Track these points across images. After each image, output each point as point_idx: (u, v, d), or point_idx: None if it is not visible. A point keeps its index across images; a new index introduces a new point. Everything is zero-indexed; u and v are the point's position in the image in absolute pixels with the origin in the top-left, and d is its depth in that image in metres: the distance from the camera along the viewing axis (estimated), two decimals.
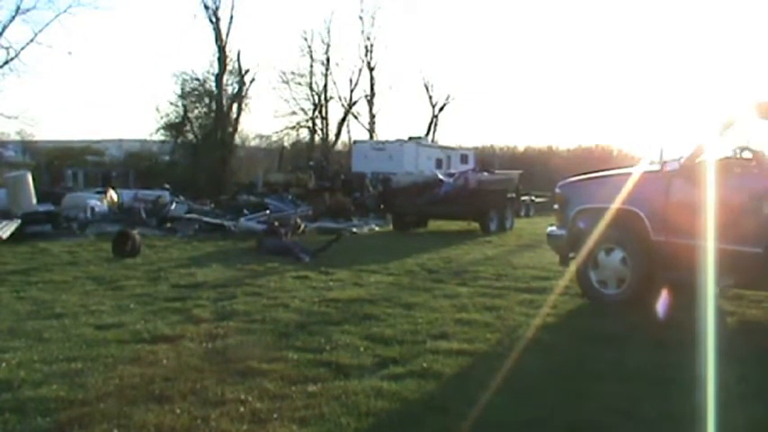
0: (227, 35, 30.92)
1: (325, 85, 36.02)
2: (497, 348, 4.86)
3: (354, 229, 15.18)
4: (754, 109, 6.00)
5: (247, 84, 31.87)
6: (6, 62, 25.89)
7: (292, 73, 35.83)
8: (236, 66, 31.51)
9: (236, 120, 32.11)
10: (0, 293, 6.81)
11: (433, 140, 33.04)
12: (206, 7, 30.81)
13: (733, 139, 6.15)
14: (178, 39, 57.16)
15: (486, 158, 26.83)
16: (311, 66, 35.95)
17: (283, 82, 35.83)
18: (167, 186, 20.21)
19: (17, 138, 33.20)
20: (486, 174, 16.78)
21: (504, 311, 6.06)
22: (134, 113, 71.36)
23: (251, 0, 56.09)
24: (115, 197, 16.59)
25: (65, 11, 29.88)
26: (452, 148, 28.59)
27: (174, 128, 31.48)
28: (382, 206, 17.91)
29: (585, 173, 7.42)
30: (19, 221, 12.13)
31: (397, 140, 26.56)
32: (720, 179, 5.75)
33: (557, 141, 46.25)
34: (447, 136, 40.17)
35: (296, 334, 5.17)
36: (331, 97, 36.49)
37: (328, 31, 36.11)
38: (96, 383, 3.92)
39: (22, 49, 25.99)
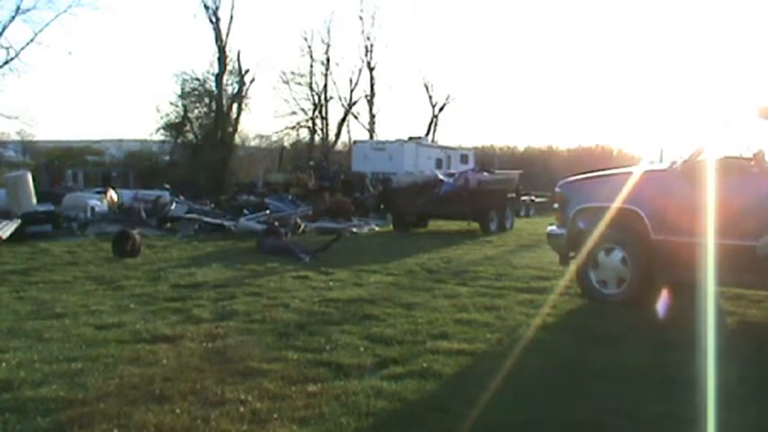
0: (227, 35, 30.99)
1: (325, 85, 36.09)
2: (497, 348, 4.86)
3: (354, 229, 15.17)
4: (756, 111, 5.99)
5: (247, 84, 31.92)
6: (6, 62, 26.00)
7: (292, 73, 35.92)
8: (236, 66, 31.57)
9: (236, 120, 32.14)
10: (0, 293, 6.82)
11: (433, 140, 33.02)
12: (206, 7, 30.87)
13: (733, 139, 6.16)
14: (178, 39, 57.30)
15: (486, 158, 26.81)
16: (311, 66, 36.04)
17: (283, 82, 35.93)
18: (167, 186, 20.21)
19: (17, 138, 33.35)
20: (486, 174, 16.76)
21: (504, 311, 6.06)
22: (134, 113, 71.51)
23: (251, 0, 56.14)
24: (115, 197, 16.59)
25: (65, 11, 30.13)
26: (452, 148, 28.56)
27: (174, 128, 31.47)
28: (382, 206, 17.90)
29: (586, 172, 7.42)
30: (19, 221, 12.13)
31: (397, 140, 26.53)
32: (721, 179, 5.75)
33: (557, 141, 46.21)
34: (447, 136, 40.21)
35: (296, 334, 5.17)
36: (331, 97, 36.56)
37: (328, 31, 36.20)
38: (96, 383, 3.92)
39: (22, 49, 26.13)
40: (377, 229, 15.87)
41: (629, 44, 60.14)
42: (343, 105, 37.02)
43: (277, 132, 36.45)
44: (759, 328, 5.98)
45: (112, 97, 65.92)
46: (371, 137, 35.74)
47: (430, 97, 38.38)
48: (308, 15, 70.24)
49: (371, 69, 37.09)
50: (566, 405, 3.68)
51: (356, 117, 37.72)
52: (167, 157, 31.61)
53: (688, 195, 6.01)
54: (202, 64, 36.01)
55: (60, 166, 27.78)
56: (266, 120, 67.43)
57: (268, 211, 15.51)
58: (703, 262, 5.73)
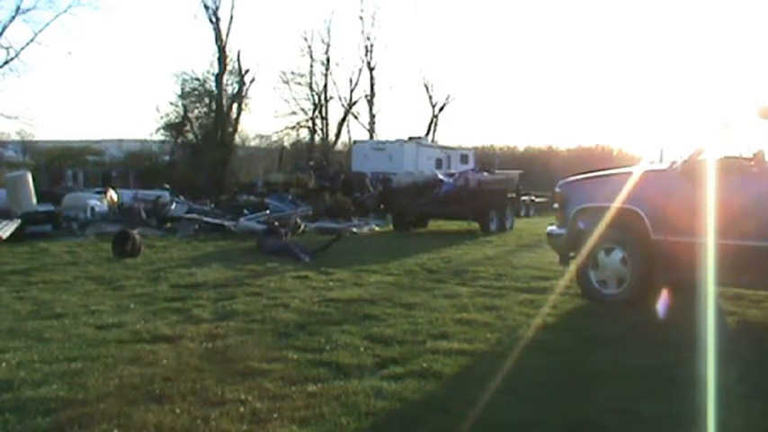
0: (227, 35, 30.99)
1: (325, 85, 36.06)
2: (497, 348, 4.86)
3: (354, 229, 15.16)
4: (756, 111, 5.99)
5: (247, 84, 31.93)
6: (6, 62, 26.02)
7: (292, 73, 35.89)
8: (236, 66, 31.57)
9: (236, 120, 32.15)
10: (0, 293, 6.82)
11: (433, 140, 33.00)
12: (206, 7, 30.87)
13: (732, 139, 6.16)
14: (178, 39, 57.21)
15: (486, 158, 26.80)
16: (311, 66, 36.00)
17: (283, 82, 35.91)
18: (167, 186, 20.21)
19: (17, 138, 33.36)
20: (486, 174, 16.77)
21: (504, 311, 6.07)
22: (134, 113, 71.41)
23: (251, 0, 56.12)
24: (115, 197, 16.59)
25: (65, 11, 30.14)
26: (452, 148, 28.54)
27: (174, 128, 31.49)
28: (382, 206, 17.89)
29: (586, 172, 7.42)
30: (19, 221, 12.13)
31: (397, 140, 26.52)
32: (721, 179, 5.75)
33: (557, 141, 46.13)
34: (447, 136, 40.14)
35: (296, 334, 5.17)
36: (331, 97, 36.54)
37: (328, 31, 36.15)
38: (96, 383, 3.92)
39: (22, 49, 26.16)
40: (377, 229, 15.87)
41: (628, 44, 60.15)
42: (343, 105, 37.06)
43: (277, 132, 36.48)
44: (759, 328, 5.98)
45: (112, 97, 65.91)
46: (371, 137, 35.72)
47: (430, 97, 38.40)
48: (308, 15, 70.20)
49: (371, 69, 37.09)
50: (566, 405, 3.68)
51: (356, 117, 37.76)
52: (167, 157, 31.61)
53: (688, 195, 6.01)
54: (202, 64, 36.07)
55: (60, 166, 27.79)
56: (266, 120, 67.43)
57: (268, 211, 15.51)
58: (703, 262, 5.73)
